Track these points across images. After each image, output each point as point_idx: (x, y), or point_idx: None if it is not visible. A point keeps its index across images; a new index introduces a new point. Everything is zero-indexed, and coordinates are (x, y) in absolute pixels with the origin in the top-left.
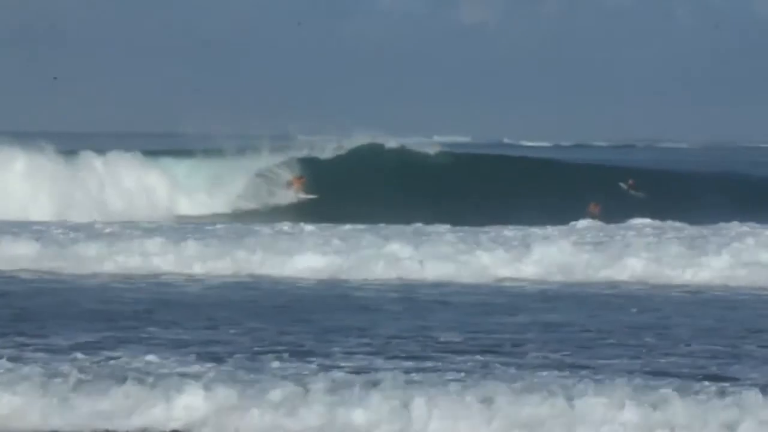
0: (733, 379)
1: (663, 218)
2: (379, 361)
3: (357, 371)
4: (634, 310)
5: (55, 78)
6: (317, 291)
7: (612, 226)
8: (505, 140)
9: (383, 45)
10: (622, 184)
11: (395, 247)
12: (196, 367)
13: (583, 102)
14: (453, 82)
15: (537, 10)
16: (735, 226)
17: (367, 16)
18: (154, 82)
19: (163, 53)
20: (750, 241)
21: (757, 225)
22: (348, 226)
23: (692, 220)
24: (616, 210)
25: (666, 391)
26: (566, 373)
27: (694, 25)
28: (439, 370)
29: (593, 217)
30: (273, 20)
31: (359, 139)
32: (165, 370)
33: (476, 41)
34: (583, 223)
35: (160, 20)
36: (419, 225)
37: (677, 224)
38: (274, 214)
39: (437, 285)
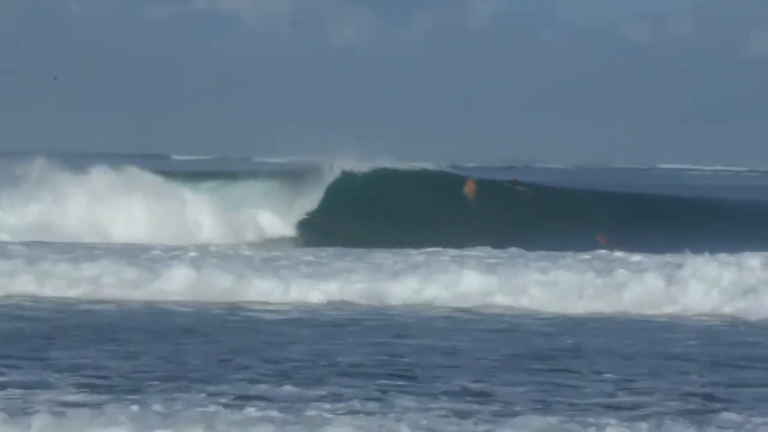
0: (644, 406)
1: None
2: (283, 387)
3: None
4: (545, 335)
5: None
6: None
7: (513, 249)
8: (385, 164)
9: (251, 65)
10: (505, 182)
11: (302, 271)
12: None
13: (455, 122)
14: (324, 103)
15: (404, 31)
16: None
17: (234, 35)
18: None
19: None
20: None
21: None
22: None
23: (577, 246)
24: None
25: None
26: (465, 402)
27: (560, 46)
28: (336, 396)
29: (470, 197)
30: (139, 39)
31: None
32: None
33: (345, 62)
34: (482, 250)
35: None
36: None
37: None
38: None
39: (339, 308)
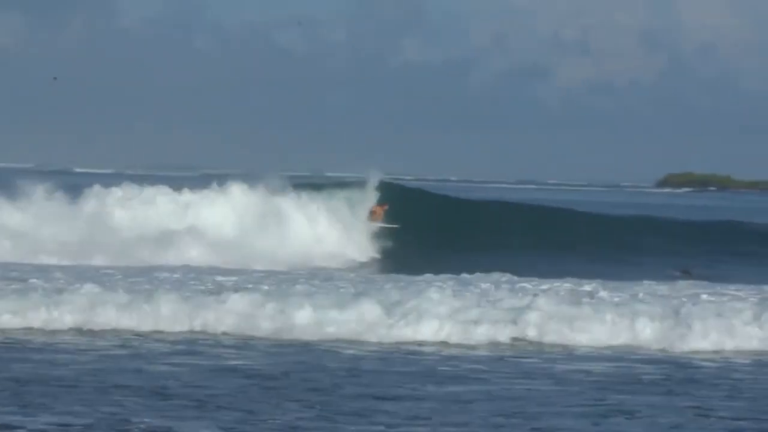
0: None
1: None
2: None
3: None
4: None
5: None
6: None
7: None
8: (77, 169)
9: None
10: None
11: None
12: None
13: (123, 128)
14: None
15: (58, 34)
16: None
17: None
18: None
19: None
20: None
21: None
22: None
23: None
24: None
25: None
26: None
27: (216, 52)
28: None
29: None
30: None
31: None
32: None
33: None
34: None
35: None
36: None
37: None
38: None
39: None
